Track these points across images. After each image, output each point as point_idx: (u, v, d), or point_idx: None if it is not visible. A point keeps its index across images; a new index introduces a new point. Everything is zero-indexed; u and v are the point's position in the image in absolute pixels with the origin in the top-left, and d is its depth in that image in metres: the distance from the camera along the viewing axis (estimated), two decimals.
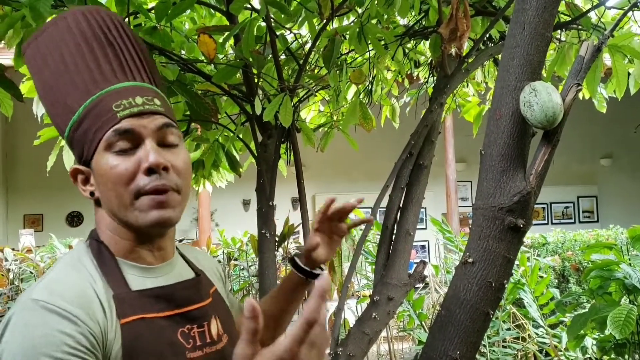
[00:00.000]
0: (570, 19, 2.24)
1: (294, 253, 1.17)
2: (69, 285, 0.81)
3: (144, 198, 0.84)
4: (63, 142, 2.33)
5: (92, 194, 0.89)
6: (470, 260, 1.33)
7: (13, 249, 5.28)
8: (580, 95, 2.02)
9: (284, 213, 4.02)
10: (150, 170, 0.84)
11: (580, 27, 2.26)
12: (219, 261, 4.89)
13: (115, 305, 0.82)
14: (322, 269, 1.14)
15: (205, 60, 1.92)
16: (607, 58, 2.15)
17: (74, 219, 9.41)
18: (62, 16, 0.91)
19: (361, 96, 2.63)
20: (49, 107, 0.91)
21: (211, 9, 2.34)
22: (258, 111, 1.93)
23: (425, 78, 2.86)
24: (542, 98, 1.21)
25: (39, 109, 2.15)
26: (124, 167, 0.84)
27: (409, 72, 2.79)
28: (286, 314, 1.17)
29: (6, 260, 4.92)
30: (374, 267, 3.13)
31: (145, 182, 0.84)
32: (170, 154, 0.87)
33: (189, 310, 0.89)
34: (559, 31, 2.34)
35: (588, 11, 2.13)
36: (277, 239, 2.34)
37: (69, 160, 2.32)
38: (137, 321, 0.82)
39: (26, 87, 2.08)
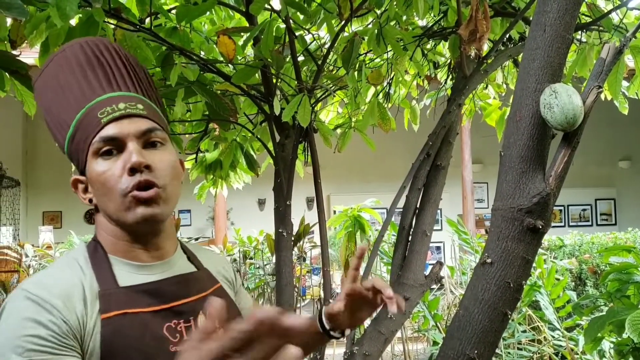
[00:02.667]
0: (591, 20, 2.23)
1: (325, 304, 1.08)
2: (57, 278, 0.87)
3: (129, 196, 0.88)
4: None
5: (90, 200, 0.94)
6: (489, 260, 1.34)
7: (33, 245, 5.36)
8: (602, 97, 2.01)
9: (299, 213, 4.03)
10: (133, 170, 0.88)
11: (601, 28, 2.25)
12: (235, 260, 4.92)
13: (100, 300, 0.86)
14: (342, 335, 1.05)
15: (224, 61, 1.94)
16: (629, 59, 2.13)
17: (92, 217, 9.48)
18: (62, 48, 0.99)
19: (379, 97, 2.63)
20: (53, 130, 0.97)
21: (230, 11, 2.37)
22: (277, 111, 1.95)
23: (443, 80, 2.86)
24: (562, 100, 1.21)
25: None
26: (111, 172, 0.89)
27: (428, 74, 2.79)
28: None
29: (26, 256, 5.00)
30: (389, 267, 3.13)
31: (129, 182, 0.88)
32: (155, 154, 0.91)
33: (175, 305, 0.91)
34: (579, 32, 2.33)
35: (609, 12, 2.11)
36: (293, 238, 2.35)
37: None
38: (119, 316, 0.85)
39: None
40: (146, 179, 0.88)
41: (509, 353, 3.36)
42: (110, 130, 0.89)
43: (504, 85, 2.98)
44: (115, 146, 0.89)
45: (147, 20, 1.89)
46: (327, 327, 1.03)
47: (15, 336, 0.78)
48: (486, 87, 2.98)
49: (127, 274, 0.92)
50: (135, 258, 0.93)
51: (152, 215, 0.89)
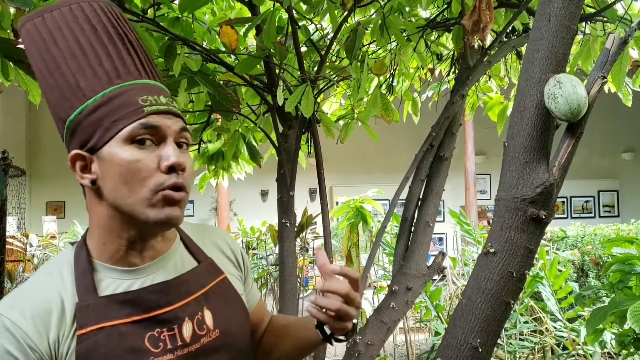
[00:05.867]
0: (595, 11, 2.22)
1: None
2: (34, 296, 0.83)
3: (160, 194, 0.83)
4: None
5: (93, 182, 0.86)
6: (492, 250, 1.34)
7: (37, 235, 5.39)
8: (606, 89, 2.00)
9: (302, 204, 4.04)
10: (171, 169, 0.84)
11: (605, 19, 2.24)
12: None
13: (77, 315, 0.83)
14: (345, 339, 1.00)
15: (227, 51, 1.94)
16: (634, 49, 2.12)
17: None
18: (69, 1, 0.90)
19: (382, 88, 2.63)
20: (52, 86, 0.87)
21: (231, 1, 2.36)
22: (280, 102, 1.95)
23: (446, 72, 2.85)
24: (566, 90, 1.20)
25: None
26: (145, 163, 0.83)
27: (431, 66, 2.78)
28: (289, 340, 1.11)
29: (31, 245, 5.02)
30: (391, 258, 3.14)
31: (165, 179, 0.83)
32: (183, 157, 0.87)
33: (156, 315, 0.87)
34: (584, 23, 2.32)
35: (614, 3, 2.10)
36: (295, 229, 2.36)
37: None
38: (95, 331, 0.82)
39: None
40: (181, 181, 0.85)
41: (510, 343, 3.37)
42: (153, 120, 0.84)
43: (506, 79, 2.98)
44: (154, 138, 0.84)
45: (150, 10, 1.89)
46: (328, 332, 0.99)
47: None
48: (489, 79, 2.98)
49: (111, 281, 0.87)
50: (123, 261, 0.89)
51: (177, 218, 0.86)
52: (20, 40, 0.91)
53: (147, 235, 0.89)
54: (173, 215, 0.84)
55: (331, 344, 1.02)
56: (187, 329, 0.89)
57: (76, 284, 0.85)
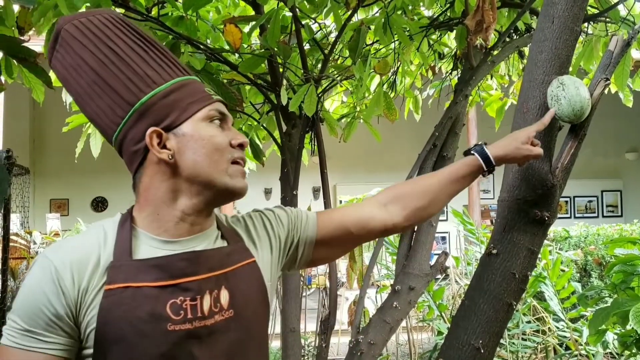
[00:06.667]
0: (598, 11, 2.22)
1: (481, 142, 1.22)
2: (77, 246, 0.92)
3: (234, 166, 0.97)
4: (91, 129, 2.38)
5: (171, 157, 0.94)
6: (494, 251, 1.34)
7: (41, 233, 5.40)
8: (608, 89, 1.99)
9: (306, 202, 4.04)
10: (241, 146, 0.99)
11: (608, 20, 2.23)
12: None
13: (108, 272, 0.89)
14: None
15: (230, 50, 1.94)
16: (636, 51, 2.12)
17: (99, 204, 9.55)
18: (97, 12, 1.00)
19: (384, 87, 2.63)
20: (116, 73, 0.95)
21: None
22: (284, 102, 1.95)
23: (447, 71, 2.85)
24: (569, 92, 1.20)
25: (67, 97, 2.19)
26: (221, 138, 0.97)
27: (432, 64, 2.78)
28: (442, 195, 1.19)
29: (34, 243, 5.04)
30: (394, 257, 3.14)
31: (237, 153, 0.98)
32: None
33: (182, 282, 0.91)
34: (586, 24, 2.31)
35: (617, 4, 2.10)
36: None
37: (96, 146, 2.37)
38: (122, 289, 0.88)
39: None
40: (244, 156, 1.01)
41: (513, 343, 3.37)
42: (221, 107, 0.99)
43: (507, 77, 2.97)
44: (223, 121, 0.99)
45: (154, 9, 1.90)
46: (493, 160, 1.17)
47: (27, 301, 0.87)
48: (491, 78, 2.97)
49: (148, 248, 0.93)
50: (170, 232, 0.95)
51: (246, 187, 1.00)
52: (60, 35, 0.97)
53: (214, 203, 0.99)
54: (244, 184, 0.99)
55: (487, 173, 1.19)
56: (207, 303, 0.93)
57: (115, 245, 0.92)
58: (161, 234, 0.94)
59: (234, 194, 0.98)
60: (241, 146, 1.00)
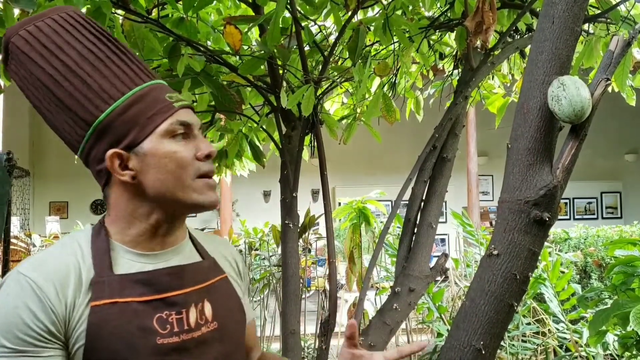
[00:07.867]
0: (599, 11, 2.22)
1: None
2: (55, 262, 0.87)
3: (200, 180, 0.93)
4: None
5: (133, 177, 0.91)
6: (495, 252, 1.34)
7: (40, 235, 5.40)
8: (609, 89, 1.99)
9: (305, 204, 4.04)
10: (207, 157, 0.94)
11: (609, 20, 2.23)
12: (240, 251, 4.94)
13: (93, 288, 0.87)
14: None
15: (230, 52, 1.94)
16: (637, 51, 2.12)
17: (98, 207, 9.57)
18: (53, 11, 0.94)
19: (384, 88, 2.63)
20: (70, 91, 0.90)
21: (236, 0, 2.36)
22: (284, 104, 1.95)
23: (449, 71, 2.85)
24: (570, 92, 1.20)
25: None
26: (183, 154, 0.92)
27: (433, 64, 2.78)
28: None
29: (34, 245, 5.04)
30: (393, 259, 3.14)
31: (201, 166, 0.93)
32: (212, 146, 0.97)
33: (168, 297, 0.91)
34: (587, 24, 2.31)
35: (618, 4, 2.10)
36: (298, 229, 2.36)
37: None
38: (109, 305, 0.86)
39: None
40: (213, 168, 0.96)
41: (513, 345, 3.37)
42: (183, 116, 0.93)
43: (509, 76, 2.97)
44: (186, 132, 0.94)
45: (154, 11, 1.90)
46: None
47: (8, 321, 0.81)
48: (492, 78, 2.97)
49: (126, 262, 0.91)
50: (143, 245, 0.93)
51: (216, 200, 0.96)
52: (9, 49, 0.92)
53: (184, 216, 0.97)
54: (214, 198, 0.96)
55: None
56: (193, 315, 0.93)
57: (93, 258, 0.89)
58: (136, 246, 0.93)
59: (203, 209, 0.95)
60: (208, 157, 0.94)
